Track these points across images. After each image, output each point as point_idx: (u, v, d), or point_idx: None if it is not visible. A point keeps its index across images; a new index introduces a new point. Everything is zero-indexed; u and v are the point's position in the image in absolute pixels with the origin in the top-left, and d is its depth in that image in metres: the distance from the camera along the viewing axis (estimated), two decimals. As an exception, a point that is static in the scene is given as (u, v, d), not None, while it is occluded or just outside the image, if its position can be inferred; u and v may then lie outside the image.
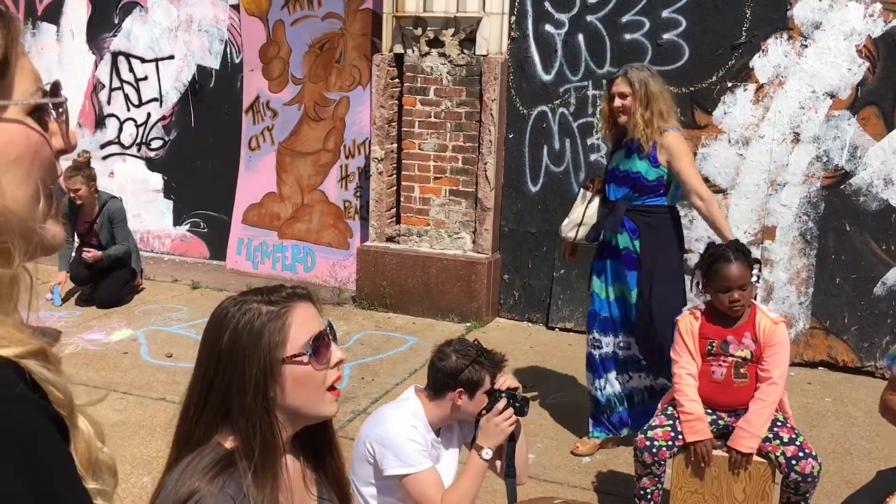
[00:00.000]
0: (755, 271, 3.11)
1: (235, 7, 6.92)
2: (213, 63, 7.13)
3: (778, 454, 2.98)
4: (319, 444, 1.68)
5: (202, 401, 1.52)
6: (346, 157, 6.73)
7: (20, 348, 0.72)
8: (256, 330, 1.49)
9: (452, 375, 2.73)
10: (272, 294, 1.56)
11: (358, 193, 6.72)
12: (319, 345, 1.53)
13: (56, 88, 0.85)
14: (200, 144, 7.29)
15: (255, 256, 7.05)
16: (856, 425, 4.58)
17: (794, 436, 3.01)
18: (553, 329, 6.14)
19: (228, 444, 1.50)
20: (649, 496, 3.15)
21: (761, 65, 5.44)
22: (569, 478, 3.97)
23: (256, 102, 6.95)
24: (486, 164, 6.03)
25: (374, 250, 6.33)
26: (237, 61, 7.03)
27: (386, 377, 5.05)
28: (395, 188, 6.42)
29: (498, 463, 2.82)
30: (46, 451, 0.71)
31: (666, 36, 5.62)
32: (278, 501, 1.50)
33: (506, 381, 2.78)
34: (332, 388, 1.57)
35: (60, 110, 0.85)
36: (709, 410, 3.11)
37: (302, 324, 1.52)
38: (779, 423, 3.05)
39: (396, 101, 6.29)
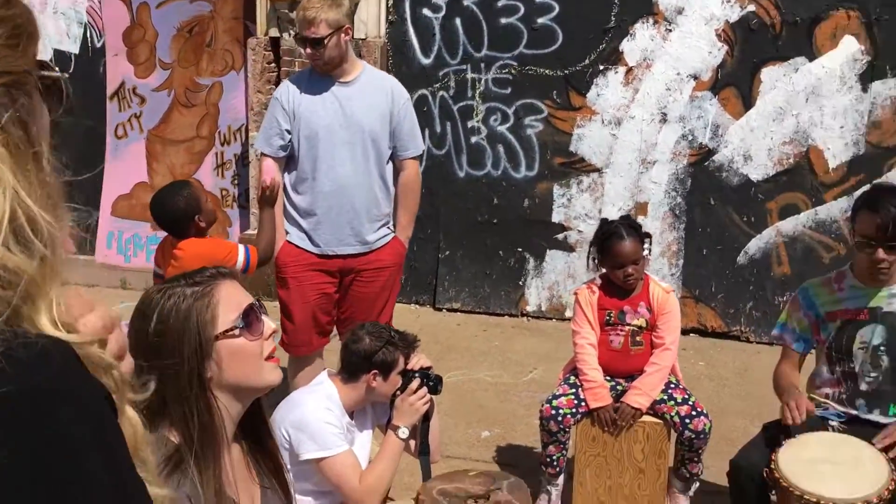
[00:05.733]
0: (646, 245, 3.28)
1: (94, -12, 6.55)
2: (72, 47, 6.73)
3: (672, 414, 3.16)
4: (257, 432, 1.67)
5: None
6: (222, 145, 6.53)
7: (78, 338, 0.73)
8: (184, 312, 1.48)
9: (367, 357, 2.75)
10: (195, 276, 1.55)
11: (235, 181, 6.54)
12: (251, 317, 1.53)
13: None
14: (60, 134, 6.87)
15: (128, 249, 6.74)
16: (727, 386, 4.90)
17: (686, 396, 3.21)
18: (440, 310, 6.22)
19: (174, 437, 1.47)
20: (555, 463, 3.28)
21: (630, 48, 5.69)
22: (469, 453, 4.06)
23: (122, 88, 6.62)
24: (368, 148, 6.01)
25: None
26: (99, 45, 6.67)
27: (278, 366, 4.97)
28: (274, 175, 6.30)
29: (412, 442, 2.86)
30: (112, 421, 0.72)
31: (540, 20, 5.77)
32: (224, 490, 1.48)
33: (419, 360, 2.82)
34: (269, 357, 1.58)
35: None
36: (608, 377, 3.26)
37: (230, 299, 1.52)
38: (672, 386, 3.24)
39: (273, 86, 6.15)
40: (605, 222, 3.34)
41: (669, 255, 5.85)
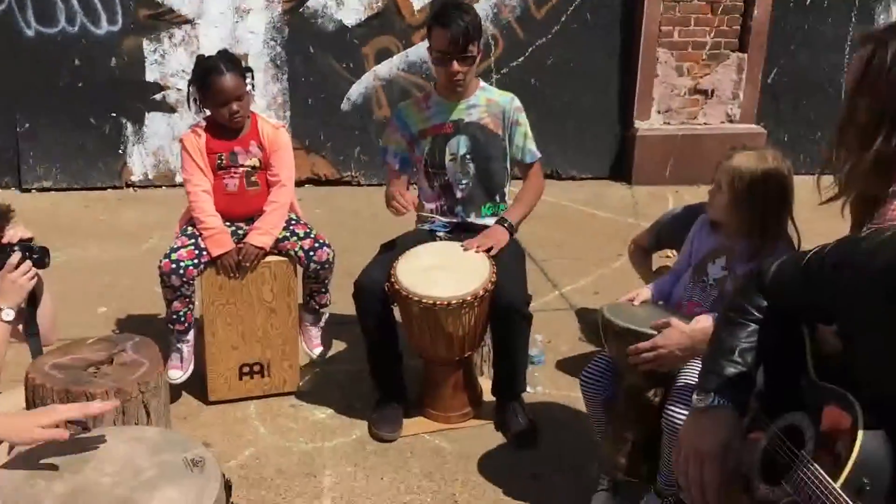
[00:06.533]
0: (249, 80, 3.15)
1: None
2: None
3: (297, 249, 3.18)
4: None
5: None
6: None
7: None
8: None
9: None
10: None
11: None
12: None
13: None
14: None
15: None
16: (345, 227, 5.08)
17: (308, 230, 3.23)
18: (29, 191, 5.54)
19: None
20: (183, 318, 3.14)
21: None
22: (88, 332, 3.69)
23: None
24: None
25: None
26: None
27: None
28: None
29: (21, 327, 2.52)
30: None
31: None
32: None
33: (16, 232, 2.45)
34: None
35: None
36: (227, 222, 3.15)
37: None
38: (293, 222, 3.24)
39: None
40: (201, 58, 3.11)
41: (276, 108, 5.78)
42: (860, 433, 1.33)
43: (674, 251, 3.53)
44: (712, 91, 6.21)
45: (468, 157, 3.12)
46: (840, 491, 1.30)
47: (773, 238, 2.39)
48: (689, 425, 1.63)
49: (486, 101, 3.13)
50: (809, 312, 1.64)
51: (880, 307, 1.40)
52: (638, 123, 6.17)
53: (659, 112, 6.21)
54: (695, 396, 1.63)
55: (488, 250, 3.00)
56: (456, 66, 2.96)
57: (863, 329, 1.46)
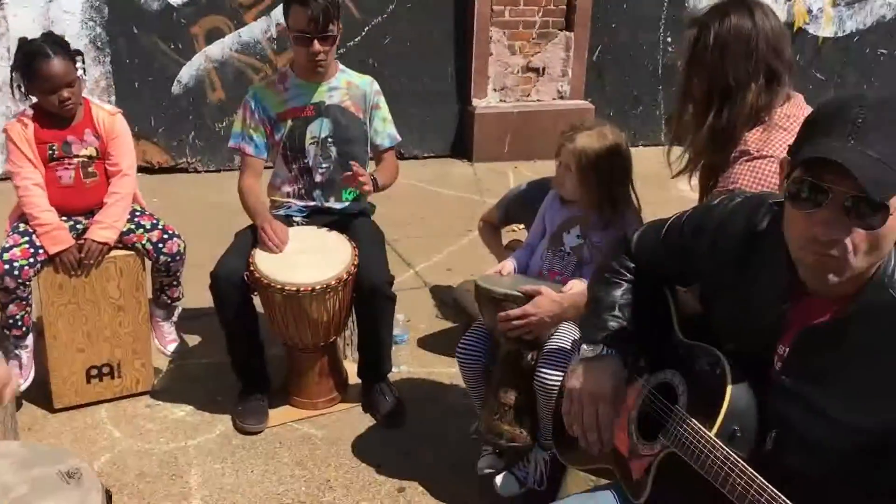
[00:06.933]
0: (79, 64, 2.94)
1: None
2: None
3: (144, 242, 3.02)
4: None
5: None
6: None
7: None
8: None
9: None
10: None
11: None
12: None
13: None
14: None
15: None
16: (185, 217, 4.85)
17: (154, 221, 3.07)
18: None
19: None
20: (20, 323, 2.91)
21: None
22: None
23: None
24: None
25: None
26: None
27: None
28: None
29: None
30: None
31: None
32: None
33: None
34: None
35: None
36: (64, 217, 2.94)
37: None
38: (138, 213, 3.07)
39: None
40: (25, 42, 2.87)
41: (99, 92, 5.43)
42: (728, 385, 1.44)
43: (520, 225, 3.66)
44: (543, 69, 6.45)
45: (330, 140, 3.06)
46: (715, 439, 1.40)
47: (622, 207, 2.53)
48: (580, 372, 1.68)
49: (347, 83, 3.08)
50: (670, 277, 1.75)
51: (733, 272, 1.53)
52: (476, 102, 6.30)
53: (495, 90, 6.37)
54: (584, 347, 1.70)
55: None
56: (317, 45, 2.88)
57: (718, 292, 1.58)
